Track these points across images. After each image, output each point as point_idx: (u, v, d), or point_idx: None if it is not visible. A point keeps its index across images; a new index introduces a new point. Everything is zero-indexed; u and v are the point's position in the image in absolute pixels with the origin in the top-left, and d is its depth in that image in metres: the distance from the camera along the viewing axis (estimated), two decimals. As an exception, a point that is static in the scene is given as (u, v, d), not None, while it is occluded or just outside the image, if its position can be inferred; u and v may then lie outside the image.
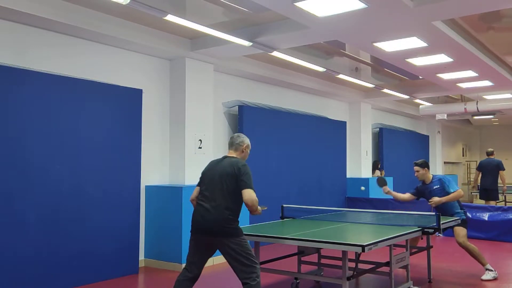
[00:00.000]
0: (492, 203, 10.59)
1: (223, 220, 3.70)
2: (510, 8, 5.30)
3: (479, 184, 11.00)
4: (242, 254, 3.70)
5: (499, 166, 10.55)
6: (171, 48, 6.54)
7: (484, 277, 5.78)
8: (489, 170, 10.63)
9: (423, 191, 6.06)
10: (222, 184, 3.78)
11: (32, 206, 5.07)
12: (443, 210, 5.83)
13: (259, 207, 3.75)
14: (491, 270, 5.82)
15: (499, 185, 10.76)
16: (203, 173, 4.02)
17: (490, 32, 6.75)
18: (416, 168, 6.00)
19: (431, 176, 6.03)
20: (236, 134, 4.14)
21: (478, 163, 11.39)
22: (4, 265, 4.80)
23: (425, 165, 6.03)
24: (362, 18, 5.27)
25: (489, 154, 10.86)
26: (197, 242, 3.85)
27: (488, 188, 10.63)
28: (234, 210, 3.78)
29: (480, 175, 10.92)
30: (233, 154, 4.01)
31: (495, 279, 5.76)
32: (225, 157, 4.00)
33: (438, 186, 5.89)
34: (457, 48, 6.65)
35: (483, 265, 5.83)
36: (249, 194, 3.65)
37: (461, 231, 5.73)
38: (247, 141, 4.08)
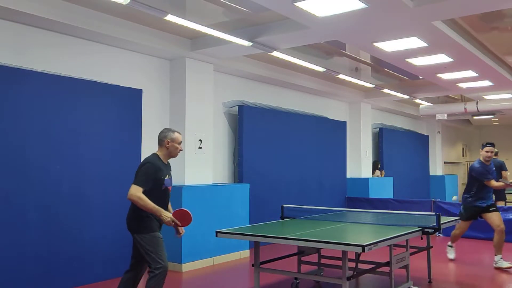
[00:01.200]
0: (501, 203, 10.56)
1: (127, 217, 3.98)
2: (510, 8, 5.30)
3: None
4: (143, 250, 3.89)
5: (501, 167, 10.56)
6: (171, 48, 6.54)
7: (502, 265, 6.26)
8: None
9: (488, 171, 6.48)
10: None
11: (32, 206, 5.07)
12: (489, 194, 6.43)
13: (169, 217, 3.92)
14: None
15: None
16: None
17: (490, 32, 6.75)
18: (493, 148, 6.46)
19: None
20: (164, 128, 4.14)
21: None
22: (4, 265, 4.80)
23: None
24: (362, 18, 5.27)
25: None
26: None
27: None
28: (134, 206, 3.88)
29: None
30: (158, 151, 4.06)
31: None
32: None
33: (493, 168, 6.50)
34: (457, 48, 6.65)
35: (499, 254, 6.28)
36: (130, 189, 3.79)
37: (498, 216, 6.29)
38: (170, 135, 4.03)
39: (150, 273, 3.86)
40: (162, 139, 4.02)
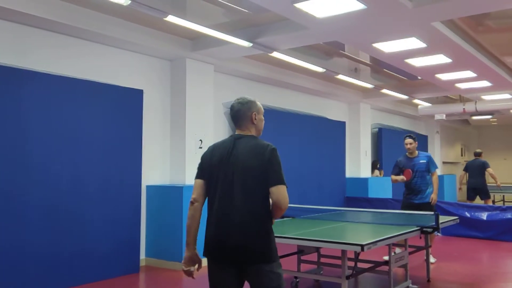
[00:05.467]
0: (489, 202, 10.63)
1: (257, 239, 2.60)
2: (509, 9, 5.33)
3: (466, 185, 11.10)
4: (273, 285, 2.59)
5: (484, 165, 10.60)
6: (172, 48, 6.56)
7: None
8: (475, 170, 10.73)
9: (406, 165, 6.39)
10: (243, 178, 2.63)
11: (32, 206, 5.09)
12: (418, 188, 6.30)
13: None
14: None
15: (489, 184, 10.81)
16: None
17: (488, 32, 6.78)
18: (410, 140, 6.36)
19: (417, 151, 6.45)
20: (238, 99, 2.83)
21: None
22: (4, 264, 4.83)
23: (417, 139, 6.46)
24: (361, 19, 5.30)
25: (476, 155, 11.01)
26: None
27: (476, 188, 10.68)
28: (269, 221, 2.67)
29: (467, 176, 11.04)
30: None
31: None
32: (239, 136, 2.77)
33: (425, 161, 6.33)
34: (456, 49, 6.69)
35: None
36: (284, 192, 2.62)
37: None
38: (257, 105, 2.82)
39: None
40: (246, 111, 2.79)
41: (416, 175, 6.34)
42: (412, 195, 6.38)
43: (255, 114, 2.79)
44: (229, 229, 2.58)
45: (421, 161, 6.37)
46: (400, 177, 6.37)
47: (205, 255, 2.70)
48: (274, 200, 2.59)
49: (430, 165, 6.34)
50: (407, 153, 6.49)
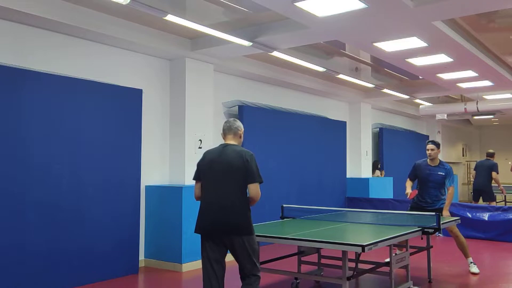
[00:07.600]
0: (492, 204, 10.54)
1: (238, 218, 3.65)
2: (510, 8, 5.30)
3: (472, 185, 10.97)
4: (248, 253, 3.66)
5: (492, 168, 10.42)
6: (171, 48, 6.54)
7: (473, 270, 6.00)
8: (482, 171, 10.56)
9: (423, 171, 6.14)
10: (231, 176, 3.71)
11: (32, 206, 5.07)
12: (432, 198, 6.08)
13: None
14: (474, 264, 6.07)
15: (493, 184, 10.72)
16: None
17: (490, 32, 6.75)
18: (432, 146, 6.14)
19: (439, 160, 6.20)
20: (231, 118, 4.05)
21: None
22: (4, 265, 4.81)
23: (439, 146, 6.22)
24: (362, 18, 5.27)
25: (487, 155, 10.78)
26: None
27: (480, 189, 10.58)
28: (247, 205, 3.72)
29: (474, 176, 10.92)
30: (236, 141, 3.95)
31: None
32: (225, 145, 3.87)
33: (443, 174, 6.05)
34: (457, 48, 6.65)
35: (467, 257, 6.10)
36: (256, 189, 3.66)
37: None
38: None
39: (253, 276, 3.67)
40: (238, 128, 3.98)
41: (430, 185, 6.06)
42: (423, 203, 6.11)
43: (242, 132, 3.98)
44: (220, 210, 3.62)
45: (439, 173, 6.03)
46: (407, 191, 6.14)
47: (198, 231, 3.71)
48: (250, 195, 3.68)
49: (447, 179, 6.01)
50: (428, 159, 6.18)
